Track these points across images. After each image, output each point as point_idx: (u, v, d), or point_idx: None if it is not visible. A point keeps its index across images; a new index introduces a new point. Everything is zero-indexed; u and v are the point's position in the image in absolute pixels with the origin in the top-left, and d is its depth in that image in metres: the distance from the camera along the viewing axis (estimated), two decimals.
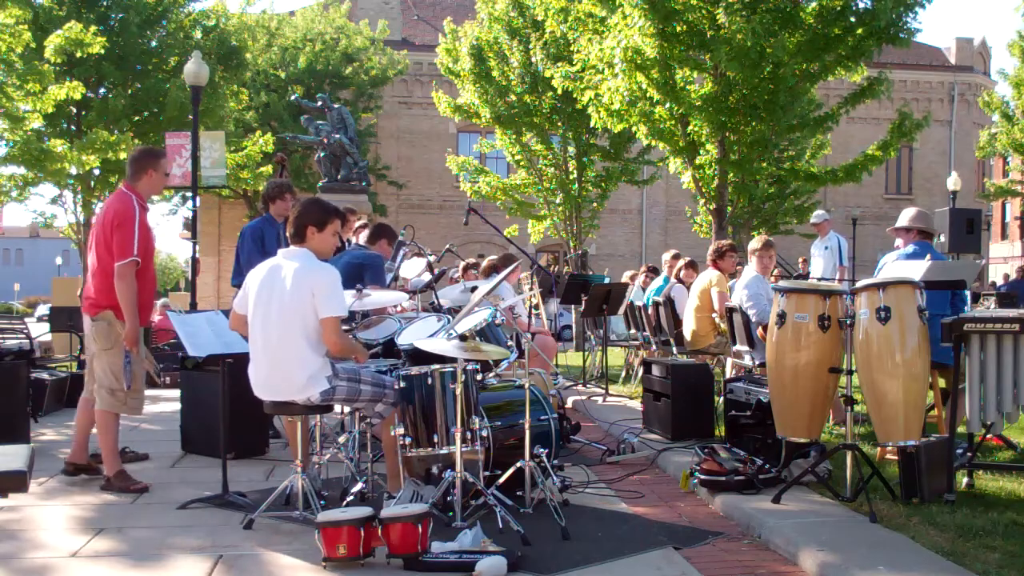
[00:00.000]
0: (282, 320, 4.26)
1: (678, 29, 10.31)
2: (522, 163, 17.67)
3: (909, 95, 30.72)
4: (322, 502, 4.49)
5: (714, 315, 7.77)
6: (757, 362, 6.65)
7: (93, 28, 15.24)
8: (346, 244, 7.59)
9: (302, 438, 4.78)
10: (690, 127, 10.89)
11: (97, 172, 18.17)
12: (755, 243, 7.36)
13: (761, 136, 11.01)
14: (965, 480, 4.77)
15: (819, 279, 10.27)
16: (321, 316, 4.25)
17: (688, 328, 8.01)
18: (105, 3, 18.48)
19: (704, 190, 11.37)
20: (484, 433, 4.65)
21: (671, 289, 9.07)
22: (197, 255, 13.95)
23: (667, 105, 10.73)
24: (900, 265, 5.70)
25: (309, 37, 26.45)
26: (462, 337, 4.57)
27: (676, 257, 9.87)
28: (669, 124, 11.02)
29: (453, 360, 4.45)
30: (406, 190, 29.08)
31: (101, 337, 5.21)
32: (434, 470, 4.69)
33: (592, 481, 5.38)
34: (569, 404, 8.20)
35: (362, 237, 7.29)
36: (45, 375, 8.22)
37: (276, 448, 6.45)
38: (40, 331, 12.87)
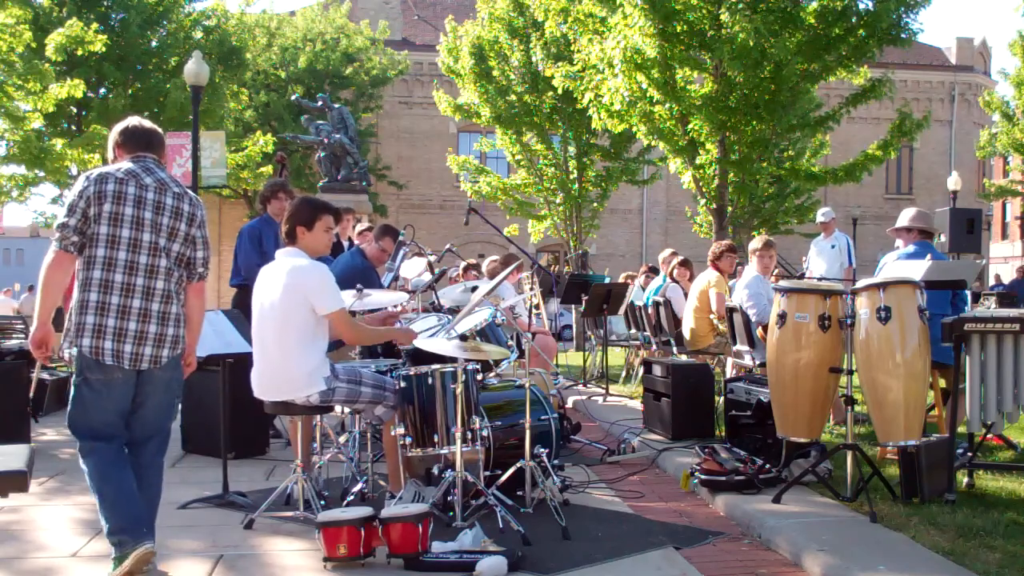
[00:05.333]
0: (275, 319, 4.27)
1: (678, 29, 10.32)
2: (522, 163, 17.68)
3: (909, 95, 30.70)
4: (322, 502, 4.50)
5: (712, 316, 7.78)
6: (757, 362, 6.65)
7: (95, 26, 15.24)
8: (343, 245, 7.58)
9: (303, 438, 4.79)
10: (690, 127, 10.89)
11: None
12: (755, 243, 7.36)
13: (761, 136, 11.01)
14: (965, 480, 4.77)
15: (819, 279, 10.08)
16: (323, 314, 4.26)
17: (687, 328, 8.01)
18: (106, 3, 18.48)
19: (704, 190, 11.37)
20: (484, 433, 4.66)
21: (667, 289, 9.08)
22: None
23: (667, 105, 10.73)
24: (900, 265, 5.69)
25: (309, 37, 26.44)
26: (462, 337, 4.57)
27: (673, 255, 9.87)
28: (669, 124, 11.02)
29: (453, 360, 4.45)
30: (406, 190, 29.07)
31: None
32: (434, 470, 4.69)
33: (592, 481, 5.38)
34: (569, 404, 8.20)
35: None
36: (45, 375, 8.21)
37: (276, 448, 6.46)
38: None
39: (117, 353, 3.54)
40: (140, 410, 3.69)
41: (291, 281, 4.26)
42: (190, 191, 3.84)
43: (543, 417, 5.03)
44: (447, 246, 8.10)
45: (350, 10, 28.09)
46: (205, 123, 17.00)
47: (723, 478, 4.84)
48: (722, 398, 6.18)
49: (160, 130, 3.94)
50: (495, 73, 16.70)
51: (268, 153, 18.95)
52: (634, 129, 11.44)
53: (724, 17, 10.07)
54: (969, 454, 4.88)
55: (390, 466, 4.67)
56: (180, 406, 6.50)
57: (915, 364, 4.45)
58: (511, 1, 16.47)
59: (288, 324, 4.25)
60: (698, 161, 11.19)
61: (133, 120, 3.89)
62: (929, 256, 5.61)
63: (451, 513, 4.28)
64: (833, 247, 10.81)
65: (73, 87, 13.96)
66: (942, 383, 5.56)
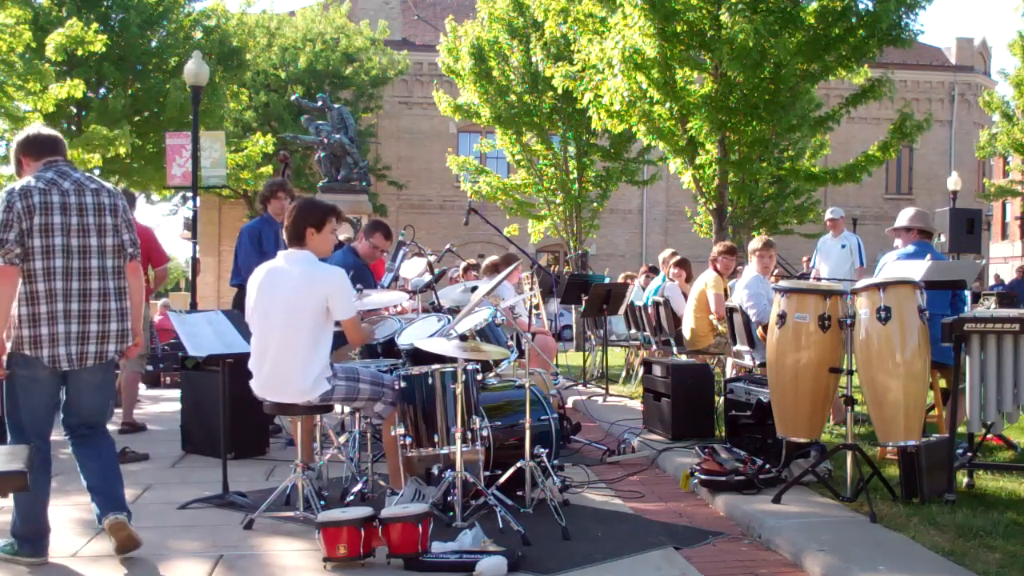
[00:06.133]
0: (286, 323, 4.25)
1: (678, 29, 10.31)
2: (522, 163, 17.68)
3: (909, 95, 30.68)
4: (322, 502, 4.50)
5: (711, 317, 7.79)
6: (757, 362, 6.65)
7: (94, 26, 15.23)
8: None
9: (304, 437, 4.79)
10: (690, 127, 10.89)
11: (97, 172, 18.18)
12: (755, 243, 7.36)
13: (761, 136, 11.00)
14: (965, 480, 4.77)
15: (828, 279, 9.90)
16: (340, 319, 4.35)
17: (687, 328, 8.02)
18: (106, 3, 18.47)
19: (704, 190, 11.37)
20: (484, 433, 4.65)
21: (666, 289, 9.09)
22: (197, 255, 13.93)
23: (667, 105, 10.73)
24: (900, 265, 5.70)
25: (309, 37, 26.45)
26: (462, 337, 4.57)
27: (673, 255, 9.86)
28: (669, 124, 11.02)
29: (453, 360, 4.45)
30: (406, 190, 29.08)
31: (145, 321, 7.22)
32: (434, 470, 4.69)
33: (592, 481, 5.38)
34: (569, 404, 8.20)
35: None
36: None
37: (276, 448, 6.46)
38: None
39: (67, 356, 3.73)
40: (80, 403, 3.91)
41: (311, 284, 4.26)
42: (106, 183, 4.00)
43: (543, 417, 5.03)
44: (447, 246, 8.10)
45: (350, 10, 28.09)
46: (205, 123, 16.98)
47: (723, 478, 4.84)
48: (722, 398, 6.18)
49: (60, 135, 4.05)
50: (495, 73, 16.70)
51: (268, 153, 18.94)
52: (634, 129, 11.44)
53: (724, 18, 10.07)
54: (969, 454, 4.88)
55: (391, 465, 4.67)
56: (180, 406, 6.58)
57: (915, 364, 4.45)
58: (511, 1, 16.47)
59: (300, 327, 4.24)
60: (698, 161, 11.19)
61: (32, 129, 4.03)
62: (929, 256, 5.61)
63: (451, 513, 4.28)
64: (843, 247, 10.50)
65: (73, 87, 13.95)
66: (942, 383, 5.56)
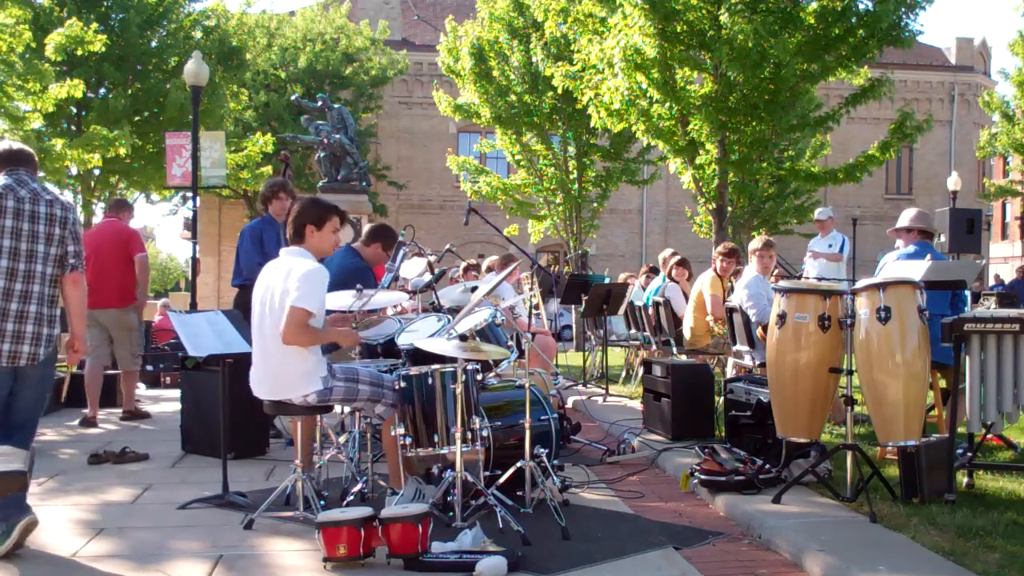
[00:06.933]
0: (274, 318, 4.27)
1: (678, 29, 10.31)
2: (522, 163, 17.68)
3: (909, 95, 30.69)
4: (322, 502, 4.50)
5: (708, 318, 7.80)
6: (757, 362, 6.65)
7: (94, 26, 15.23)
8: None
9: (304, 438, 4.79)
10: (690, 127, 10.88)
11: (97, 172, 18.18)
12: (755, 243, 7.36)
13: (761, 136, 11.00)
14: (965, 480, 4.77)
15: (818, 278, 9.96)
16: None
17: (688, 328, 8.04)
18: (106, 3, 18.46)
19: (704, 190, 11.36)
20: (484, 433, 4.65)
21: (666, 289, 9.09)
22: (197, 255, 13.92)
23: (667, 105, 10.73)
24: (900, 265, 5.70)
25: (309, 37, 26.43)
26: (462, 337, 4.57)
27: (673, 255, 9.87)
28: (669, 124, 11.02)
29: (453, 360, 4.45)
30: (406, 190, 29.07)
31: (133, 321, 7.70)
32: (434, 470, 4.69)
33: (592, 481, 5.38)
34: (569, 404, 8.19)
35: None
36: None
37: (276, 448, 6.46)
38: None
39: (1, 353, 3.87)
40: (15, 403, 4.08)
41: (288, 279, 4.26)
42: (61, 197, 4.21)
43: (543, 417, 5.03)
44: (447, 246, 8.09)
45: (350, 10, 28.08)
46: (205, 123, 16.97)
47: (723, 478, 4.84)
48: (722, 398, 6.18)
49: (29, 148, 4.28)
50: (495, 73, 16.70)
51: (268, 153, 18.93)
52: (634, 128, 11.44)
53: (724, 18, 10.07)
54: (969, 454, 4.88)
55: (391, 465, 4.67)
56: (180, 406, 6.58)
57: (915, 364, 4.45)
58: (511, 1, 16.47)
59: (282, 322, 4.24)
60: (698, 161, 11.19)
61: (2, 144, 4.24)
62: (929, 256, 5.61)
63: (451, 513, 4.28)
64: (830, 246, 10.66)
65: (73, 87, 13.94)
66: (942, 383, 5.56)
